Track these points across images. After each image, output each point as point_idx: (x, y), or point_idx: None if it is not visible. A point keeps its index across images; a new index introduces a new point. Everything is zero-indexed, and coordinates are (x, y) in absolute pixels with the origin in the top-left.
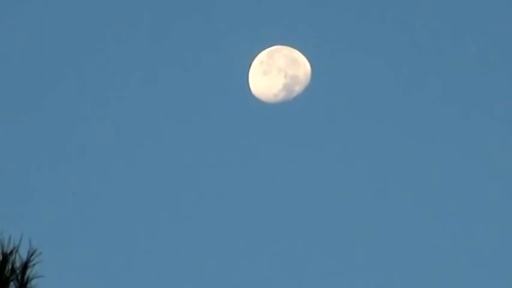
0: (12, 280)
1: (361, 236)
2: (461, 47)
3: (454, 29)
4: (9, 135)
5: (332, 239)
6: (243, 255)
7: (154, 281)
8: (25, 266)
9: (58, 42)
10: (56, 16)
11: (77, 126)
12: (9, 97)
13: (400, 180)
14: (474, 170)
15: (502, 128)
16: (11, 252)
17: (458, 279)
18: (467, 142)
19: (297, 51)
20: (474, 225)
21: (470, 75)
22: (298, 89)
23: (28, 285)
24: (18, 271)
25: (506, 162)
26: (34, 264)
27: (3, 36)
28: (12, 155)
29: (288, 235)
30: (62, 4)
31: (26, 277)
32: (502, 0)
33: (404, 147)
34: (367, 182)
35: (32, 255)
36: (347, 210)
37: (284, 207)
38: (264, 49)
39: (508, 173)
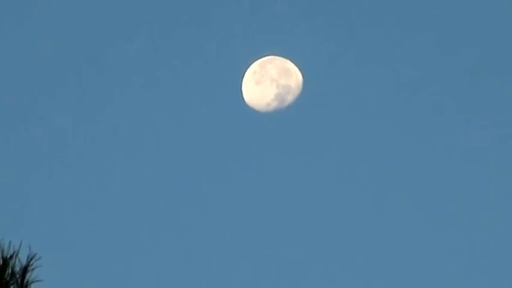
0: (12, 284)
1: (359, 242)
2: (459, 53)
3: (452, 35)
4: (8, 141)
5: (329, 246)
6: (240, 262)
7: (153, 286)
8: (25, 270)
9: (58, 46)
10: (56, 20)
11: (75, 131)
12: (7, 102)
13: (395, 187)
14: (473, 174)
15: (501, 133)
16: (11, 256)
17: (458, 281)
18: (466, 147)
19: (289, 62)
20: (474, 228)
21: (469, 81)
22: (290, 98)
23: None
24: (18, 275)
25: (505, 167)
26: (33, 269)
27: (3, 41)
28: (11, 161)
29: (282, 243)
30: (62, 9)
31: (25, 281)
32: (501, 7)
33: (397, 155)
34: (360, 189)
35: (31, 259)
36: (340, 217)
37: (277, 215)
38: (257, 59)
39: (507, 177)
